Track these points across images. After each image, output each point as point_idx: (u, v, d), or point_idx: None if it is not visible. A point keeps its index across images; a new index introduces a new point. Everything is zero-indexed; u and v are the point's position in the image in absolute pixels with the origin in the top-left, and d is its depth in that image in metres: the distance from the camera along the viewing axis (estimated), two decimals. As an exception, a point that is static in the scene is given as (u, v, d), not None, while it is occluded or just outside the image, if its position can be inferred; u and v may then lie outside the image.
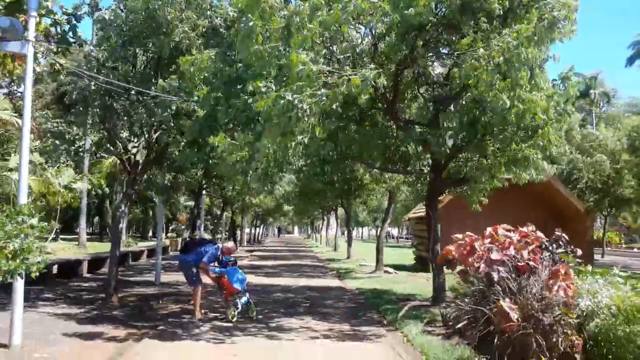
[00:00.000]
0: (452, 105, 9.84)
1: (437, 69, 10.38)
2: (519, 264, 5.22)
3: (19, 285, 6.67)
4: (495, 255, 5.21)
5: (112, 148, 10.15)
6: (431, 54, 9.15)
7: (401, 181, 17.48)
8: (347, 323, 9.17)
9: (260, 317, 9.38)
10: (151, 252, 23.52)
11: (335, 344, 7.65)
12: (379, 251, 18.75)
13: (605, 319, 5.08)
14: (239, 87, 8.96)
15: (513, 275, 5.24)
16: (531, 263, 5.23)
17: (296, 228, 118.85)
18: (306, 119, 6.91)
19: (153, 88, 9.27)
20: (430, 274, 19.26)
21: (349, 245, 26.58)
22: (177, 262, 9.68)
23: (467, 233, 5.64)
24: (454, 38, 8.85)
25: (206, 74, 8.77)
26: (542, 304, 5.08)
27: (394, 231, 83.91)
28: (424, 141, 10.40)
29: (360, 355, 7.15)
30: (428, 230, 10.96)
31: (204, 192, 19.19)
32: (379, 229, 20.87)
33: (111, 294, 10.49)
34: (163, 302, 11.01)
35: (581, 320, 5.19)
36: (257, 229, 54.36)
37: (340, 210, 37.20)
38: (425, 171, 10.58)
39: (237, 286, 9.08)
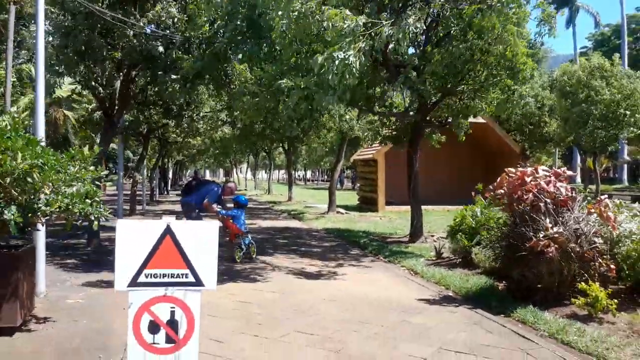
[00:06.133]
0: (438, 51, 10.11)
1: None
2: (560, 198, 5.78)
3: (41, 235, 6.30)
4: (545, 187, 5.73)
5: (93, 85, 9.39)
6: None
7: (355, 124, 17.90)
8: (343, 260, 9.52)
9: (260, 257, 9.53)
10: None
11: (355, 276, 7.99)
12: (332, 193, 19.27)
13: (633, 244, 5.81)
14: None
15: (555, 207, 5.80)
16: (568, 197, 5.81)
17: (207, 172, 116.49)
18: (356, 73, 6.97)
19: (143, 18, 8.64)
20: (377, 213, 20.31)
21: (290, 188, 26.98)
22: (180, 204, 9.44)
23: (519, 169, 6.13)
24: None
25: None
26: (582, 233, 5.69)
27: (308, 174, 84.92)
28: (411, 85, 10.68)
29: (381, 289, 7.46)
30: (409, 170, 11.40)
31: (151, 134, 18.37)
32: (333, 171, 21.27)
33: (91, 240, 10.19)
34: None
35: (612, 246, 5.89)
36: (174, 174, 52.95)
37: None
38: (411, 114, 10.92)
39: (242, 228, 9.11)
